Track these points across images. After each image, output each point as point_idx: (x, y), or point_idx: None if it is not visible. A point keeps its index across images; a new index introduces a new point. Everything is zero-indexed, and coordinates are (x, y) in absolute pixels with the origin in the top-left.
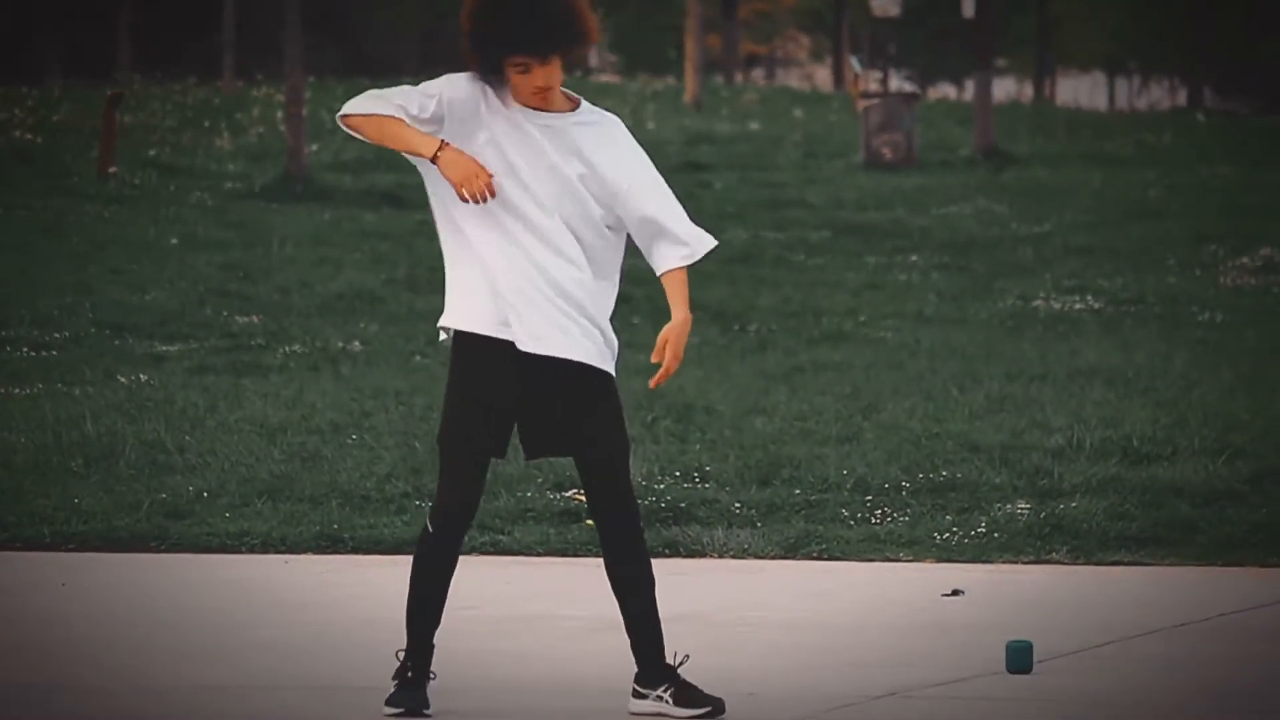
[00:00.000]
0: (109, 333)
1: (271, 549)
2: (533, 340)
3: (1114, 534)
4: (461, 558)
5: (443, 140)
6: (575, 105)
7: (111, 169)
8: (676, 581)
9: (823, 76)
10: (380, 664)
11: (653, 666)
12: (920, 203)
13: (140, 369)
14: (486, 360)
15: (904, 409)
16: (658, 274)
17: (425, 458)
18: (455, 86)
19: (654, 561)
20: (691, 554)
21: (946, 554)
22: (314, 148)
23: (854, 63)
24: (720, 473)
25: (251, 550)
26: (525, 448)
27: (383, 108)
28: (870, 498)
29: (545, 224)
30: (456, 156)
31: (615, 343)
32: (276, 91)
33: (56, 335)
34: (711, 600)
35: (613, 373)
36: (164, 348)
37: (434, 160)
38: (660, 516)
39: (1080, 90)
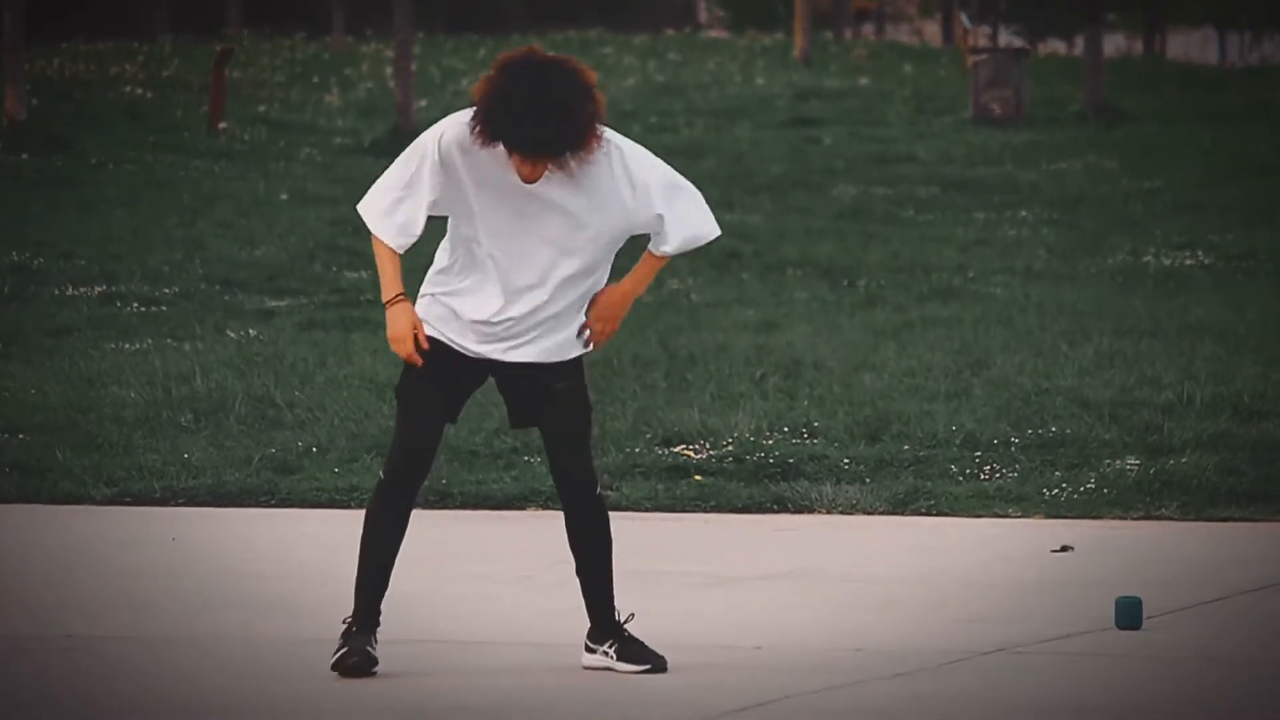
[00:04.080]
0: (219, 288)
1: None
2: (491, 350)
3: (1224, 490)
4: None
5: (398, 294)
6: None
7: (221, 125)
8: (784, 537)
9: (932, 32)
10: (489, 617)
11: (601, 623)
12: (1030, 158)
13: (250, 324)
14: (444, 349)
15: (1013, 365)
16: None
17: None
18: (447, 153)
19: (762, 516)
20: (800, 510)
21: (1055, 510)
22: (423, 103)
23: (964, 18)
24: (829, 428)
25: (360, 505)
26: (511, 418)
27: (375, 223)
28: (979, 453)
29: (539, 257)
30: (397, 315)
31: (571, 332)
32: (385, 47)
33: (166, 290)
34: (819, 556)
35: (576, 357)
36: (273, 303)
37: (385, 305)
38: (769, 472)
39: (1191, 45)
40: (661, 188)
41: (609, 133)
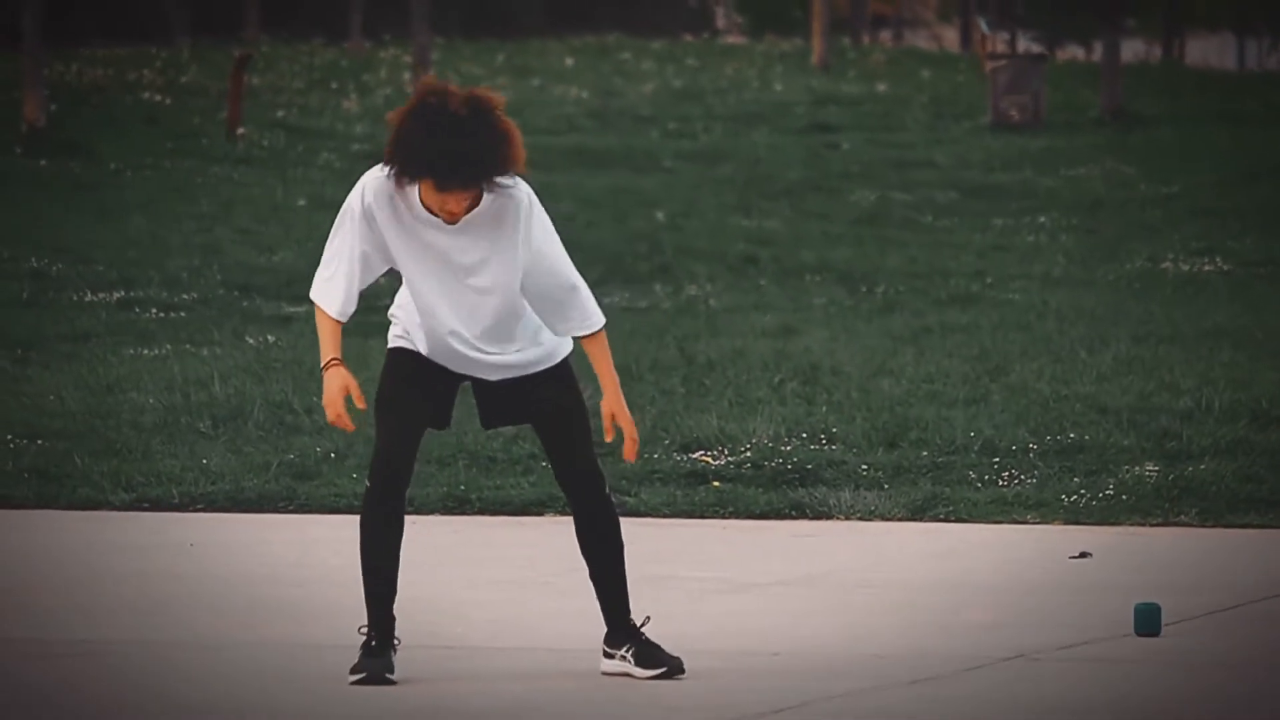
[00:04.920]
0: (237, 294)
1: None
2: (469, 365)
3: (1243, 496)
4: None
5: (333, 359)
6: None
7: (240, 130)
8: (802, 543)
9: (950, 37)
10: (506, 623)
11: (618, 627)
12: (1048, 164)
13: (268, 330)
14: (422, 359)
15: (1032, 371)
16: (561, 332)
17: None
18: (369, 209)
19: (780, 522)
20: (818, 515)
21: (1074, 516)
22: None
23: (982, 24)
24: (847, 434)
25: None
26: (481, 419)
27: (320, 298)
28: (998, 459)
29: (461, 302)
30: (331, 379)
31: (550, 338)
32: (404, 52)
33: (185, 296)
34: (838, 562)
35: (560, 361)
36: (292, 309)
37: (322, 369)
38: (787, 478)
39: (1209, 50)
40: (550, 272)
41: (522, 185)
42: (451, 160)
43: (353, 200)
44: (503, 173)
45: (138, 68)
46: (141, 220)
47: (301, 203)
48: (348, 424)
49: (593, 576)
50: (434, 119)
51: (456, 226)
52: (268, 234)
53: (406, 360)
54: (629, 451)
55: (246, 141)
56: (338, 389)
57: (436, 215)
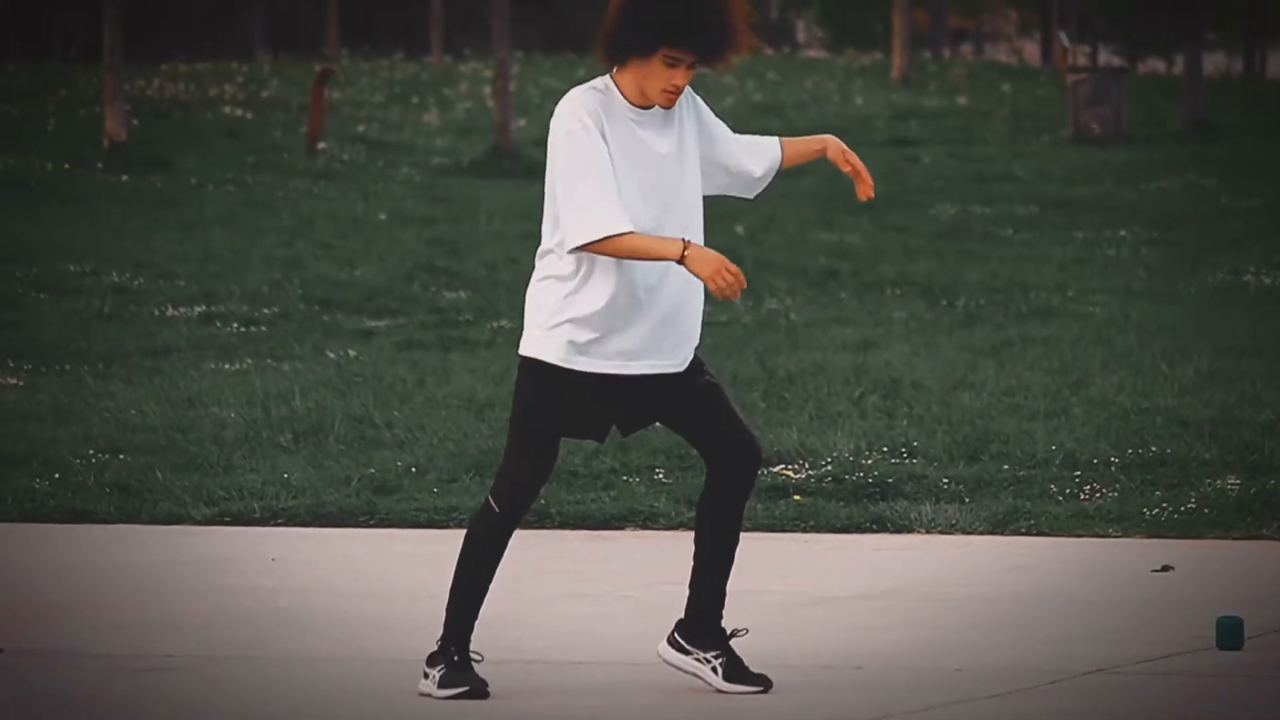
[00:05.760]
0: (318, 308)
1: None
2: (640, 364)
3: None
4: (670, 532)
5: (685, 240)
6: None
7: (320, 145)
8: (883, 557)
9: (1031, 51)
10: (586, 637)
11: (709, 628)
12: (1129, 177)
13: (349, 344)
14: (591, 386)
15: (1113, 384)
16: (767, 171)
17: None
18: (595, 122)
19: (861, 536)
20: (899, 529)
21: (1155, 530)
22: (521, 122)
23: (1063, 37)
24: (928, 448)
25: (459, 525)
26: (623, 427)
27: (611, 225)
28: (1079, 473)
29: (668, 221)
30: (703, 254)
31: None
32: (484, 66)
33: (266, 311)
34: (919, 575)
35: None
36: (372, 323)
37: (681, 261)
38: (867, 492)
39: None
40: (727, 134)
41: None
42: (711, 24)
43: (570, 126)
44: (747, 46)
45: (218, 83)
46: (222, 235)
47: (382, 217)
48: (742, 281)
49: (703, 557)
50: None
51: (652, 118)
52: (348, 248)
53: (568, 385)
54: (864, 188)
55: (327, 156)
56: (716, 255)
57: (644, 107)
